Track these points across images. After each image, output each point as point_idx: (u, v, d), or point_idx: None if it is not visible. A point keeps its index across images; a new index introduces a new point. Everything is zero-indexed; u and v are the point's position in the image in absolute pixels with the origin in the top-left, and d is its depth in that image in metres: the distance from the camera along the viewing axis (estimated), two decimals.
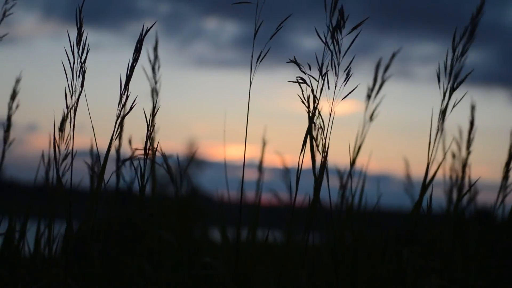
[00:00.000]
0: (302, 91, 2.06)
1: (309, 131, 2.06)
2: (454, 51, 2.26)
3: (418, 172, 3.50)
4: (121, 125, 2.34)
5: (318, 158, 2.07)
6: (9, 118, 2.76)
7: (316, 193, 2.07)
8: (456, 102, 2.26)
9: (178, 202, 2.70)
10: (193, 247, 2.56)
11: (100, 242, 2.35)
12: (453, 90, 2.27)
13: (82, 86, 2.18)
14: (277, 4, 2.15)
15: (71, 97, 2.17)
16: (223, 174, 2.94)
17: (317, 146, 2.07)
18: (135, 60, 2.15)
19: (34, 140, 4.45)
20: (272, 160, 3.39)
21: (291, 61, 2.04)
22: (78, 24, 2.14)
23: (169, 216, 2.72)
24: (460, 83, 2.26)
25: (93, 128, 2.33)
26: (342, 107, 2.12)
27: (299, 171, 2.07)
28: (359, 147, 2.91)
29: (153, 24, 2.17)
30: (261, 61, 2.11)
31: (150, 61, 2.90)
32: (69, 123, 2.19)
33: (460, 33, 2.27)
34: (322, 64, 2.05)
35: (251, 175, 3.25)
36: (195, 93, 2.96)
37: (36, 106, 2.66)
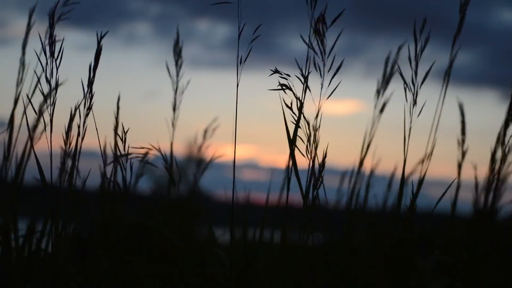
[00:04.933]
0: (295, 97, 2.11)
1: (294, 137, 2.12)
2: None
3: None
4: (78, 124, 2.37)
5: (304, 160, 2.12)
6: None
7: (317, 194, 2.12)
8: None
9: (179, 202, 2.71)
10: (197, 246, 2.58)
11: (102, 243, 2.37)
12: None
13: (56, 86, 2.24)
14: (265, 4, 2.17)
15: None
16: (218, 174, 2.97)
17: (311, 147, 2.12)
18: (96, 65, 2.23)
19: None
20: (271, 160, 3.42)
21: (274, 72, 2.09)
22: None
23: (169, 215, 2.73)
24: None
25: (97, 129, 2.37)
26: (344, 106, 2.16)
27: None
28: (368, 147, 2.93)
29: (106, 33, 2.25)
30: (244, 61, 2.15)
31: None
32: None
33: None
34: (307, 66, 2.10)
35: (249, 175, 3.27)
36: (191, 93, 3.00)
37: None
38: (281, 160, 3.35)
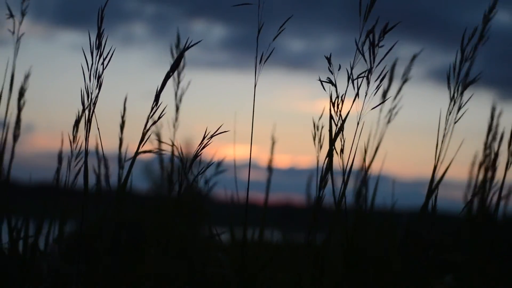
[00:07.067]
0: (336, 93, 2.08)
1: (335, 134, 2.10)
2: (462, 53, 2.26)
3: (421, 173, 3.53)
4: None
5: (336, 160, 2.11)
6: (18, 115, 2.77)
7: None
8: (463, 104, 2.27)
9: (180, 201, 2.71)
10: (198, 245, 2.58)
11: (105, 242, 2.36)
12: (462, 92, 2.28)
13: (99, 88, 2.21)
14: (269, 6, 2.17)
15: (87, 99, 2.19)
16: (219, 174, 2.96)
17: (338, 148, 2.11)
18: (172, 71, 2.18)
19: (31, 140, 4.45)
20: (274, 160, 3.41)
21: (327, 58, 2.05)
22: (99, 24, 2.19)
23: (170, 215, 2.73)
24: (469, 84, 2.27)
25: (98, 129, 2.37)
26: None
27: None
28: (376, 149, 2.95)
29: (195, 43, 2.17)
30: (265, 62, 2.13)
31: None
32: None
33: (468, 34, 2.27)
34: (352, 68, 2.08)
35: (252, 175, 3.26)
36: (189, 94, 3.00)
37: (29, 106, 2.71)
38: (280, 160, 3.35)
